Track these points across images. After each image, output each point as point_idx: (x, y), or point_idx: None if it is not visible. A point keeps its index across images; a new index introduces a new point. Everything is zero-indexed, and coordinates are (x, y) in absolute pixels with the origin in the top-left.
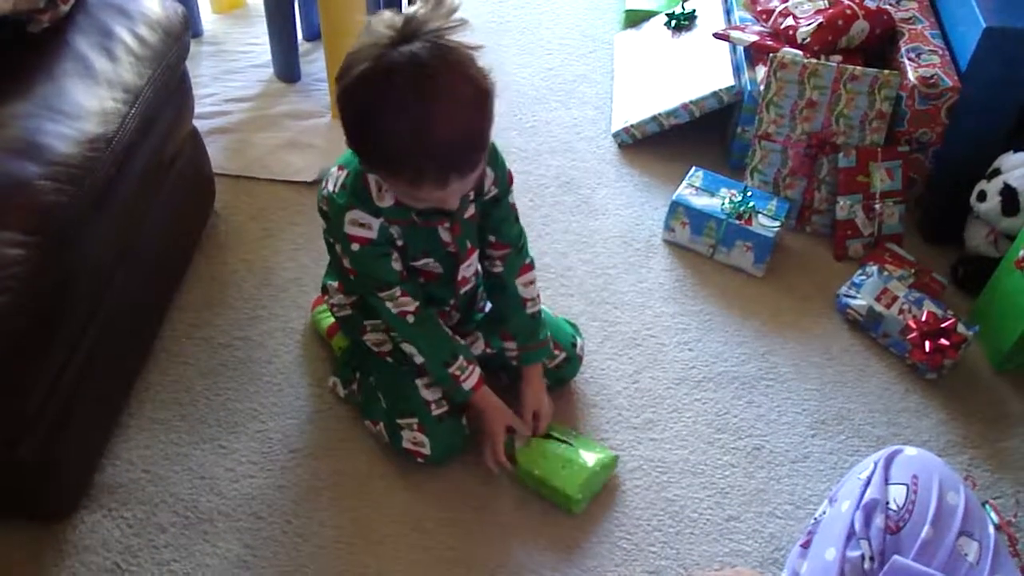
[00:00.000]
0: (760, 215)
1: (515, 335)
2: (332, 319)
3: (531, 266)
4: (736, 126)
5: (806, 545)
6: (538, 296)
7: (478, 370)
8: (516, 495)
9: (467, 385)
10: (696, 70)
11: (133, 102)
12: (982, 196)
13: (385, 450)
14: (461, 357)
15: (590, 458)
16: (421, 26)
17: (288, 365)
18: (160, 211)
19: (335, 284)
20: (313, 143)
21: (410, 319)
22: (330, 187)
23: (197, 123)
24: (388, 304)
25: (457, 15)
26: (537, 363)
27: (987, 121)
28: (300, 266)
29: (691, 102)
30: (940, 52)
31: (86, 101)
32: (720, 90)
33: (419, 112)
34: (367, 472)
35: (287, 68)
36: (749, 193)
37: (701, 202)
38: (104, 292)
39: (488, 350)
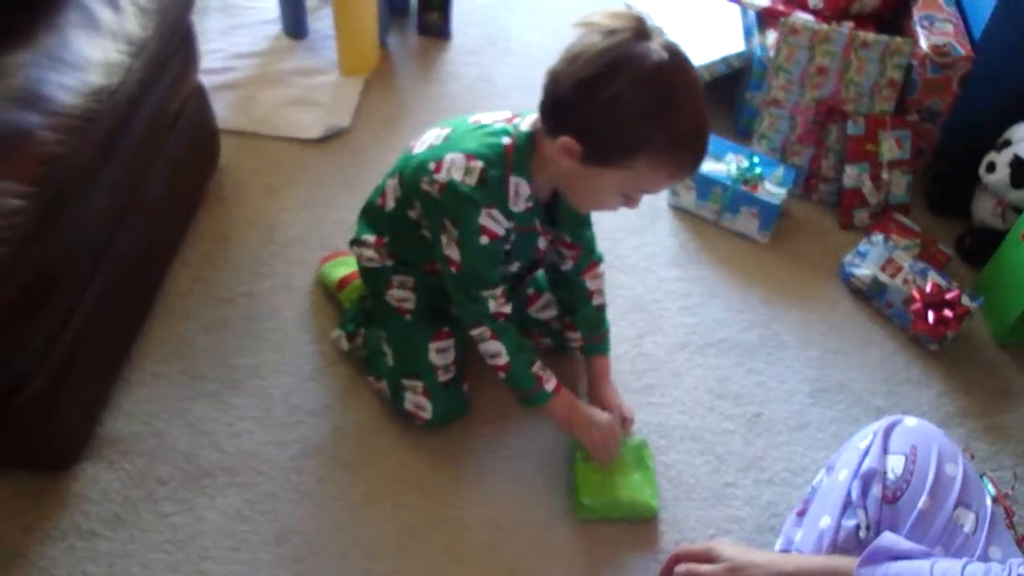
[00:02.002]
0: (766, 182)
1: (579, 326)
2: (343, 272)
3: (598, 263)
4: (744, 91)
5: (802, 513)
6: (603, 289)
7: (554, 376)
8: (515, 457)
9: (549, 387)
10: (706, 34)
11: (137, 54)
12: (991, 167)
13: (385, 408)
14: (538, 360)
15: (627, 490)
16: (646, 29)
17: (290, 322)
18: (164, 166)
19: (372, 239)
20: (320, 100)
21: (502, 321)
22: (456, 175)
23: (203, 79)
24: (491, 303)
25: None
26: (602, 355)
27: (999, 91)
28: (304, 223)
29: (700, 67)
30: (954, 20)
31: (89, 52)
32: (730, 55)
33: (697, 99)
34: (367, 430)
35: (295, 24)
36: (756, 159)
37: (707, 167)
38: (107, 245)
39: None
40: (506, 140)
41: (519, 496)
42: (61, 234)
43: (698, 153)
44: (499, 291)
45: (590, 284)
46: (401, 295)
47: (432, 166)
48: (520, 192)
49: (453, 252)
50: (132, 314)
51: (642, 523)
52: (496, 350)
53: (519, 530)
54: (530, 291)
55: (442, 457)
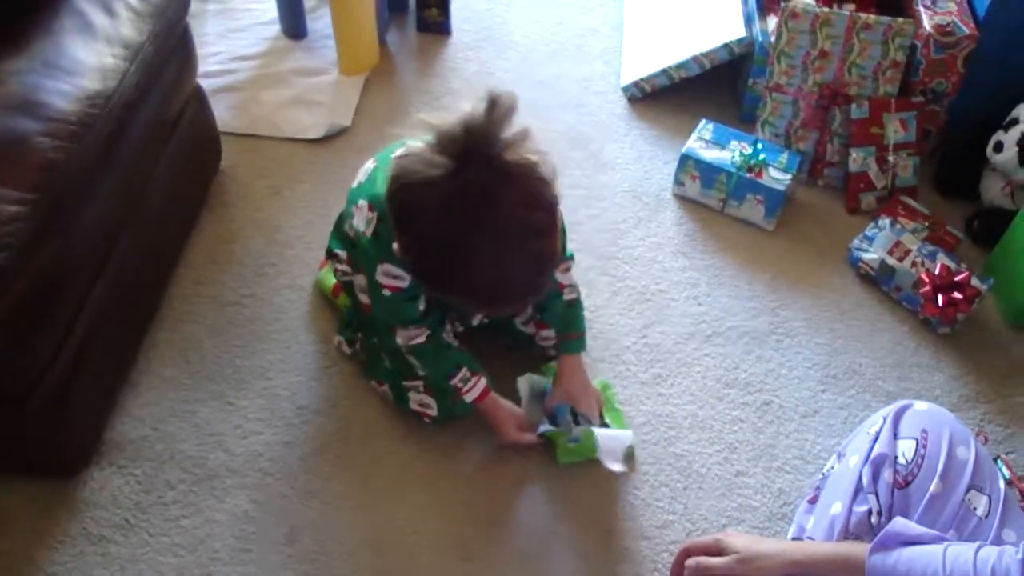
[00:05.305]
0: (771, 168)
1: (551, 323)
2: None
3: (567, 259)
4: (747, 78)
5: (813, 500)
6: (576, 284)
7: (483, 381)
8: (525, 452)
9: (469, 398)
10: (706, 21)
11: (133, 58)
12: (999, 147)
13: (391, 406)
14: (464, 368)
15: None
16: (480, 143)
17: (295, 322)
18: (165, 169)
19: (343, 254)
20: (320, 100)
21: (417, 344)
22: (359, 225)
23: (203, 82)
24: (399, 335)
25: (515, 118)
26: (574, 354)
27: (1005, 70)
28: (306, 223)
29: (701, 54)
30: None
31: (85, 57)
32: (731, 42)
33: (495, 264)
34: (373, 428)
35: (293, 25)
36: (760, 146)
37: (711, 155)
38: (110, 249)
39: (484, 319)
40: None
41: (528, 490)
42: (63, 240)
43: (504, 300)
44: (412, 328)
45: (560, 278)
46: None
47: (352, 209)
48: None
49: (368, 299)
50: (137, 318)
51: (657, 518)
52: (413, 363)
53: (528, 524)
54: None
55: (450, 453)
